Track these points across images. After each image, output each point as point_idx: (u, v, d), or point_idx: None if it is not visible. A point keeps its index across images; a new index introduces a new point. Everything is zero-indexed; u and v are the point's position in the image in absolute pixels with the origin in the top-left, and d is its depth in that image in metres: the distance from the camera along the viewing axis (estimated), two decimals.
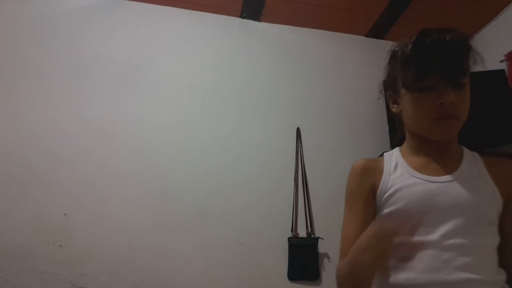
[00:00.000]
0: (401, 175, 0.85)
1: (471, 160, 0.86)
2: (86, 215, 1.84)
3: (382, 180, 0.86)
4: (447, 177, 0.81)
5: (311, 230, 2.03)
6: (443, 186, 0.80)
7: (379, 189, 0.86)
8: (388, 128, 2.08)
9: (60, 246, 1.77)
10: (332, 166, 2.19)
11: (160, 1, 2.35)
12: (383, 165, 0.89)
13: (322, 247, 1.98)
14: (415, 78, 0.79)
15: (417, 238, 0.77)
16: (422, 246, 0.76)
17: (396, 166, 0.88)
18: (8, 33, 2.11)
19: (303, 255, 1.94)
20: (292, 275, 1.91)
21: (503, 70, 2.08)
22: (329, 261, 1.97)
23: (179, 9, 2.40)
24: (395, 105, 0.91)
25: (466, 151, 0.88)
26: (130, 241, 1.84)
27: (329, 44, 2.54)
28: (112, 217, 1.87)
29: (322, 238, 1.98)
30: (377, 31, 2.54)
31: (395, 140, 0.98)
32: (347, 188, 0.91)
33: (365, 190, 0.87)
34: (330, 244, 1.98)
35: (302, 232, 2.03)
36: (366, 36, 2.61)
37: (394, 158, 0.90)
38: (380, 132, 2.21)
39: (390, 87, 0.92)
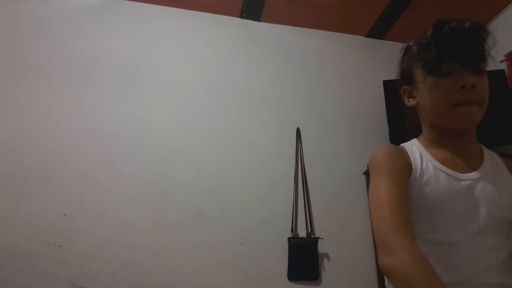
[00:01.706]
0: (427, 166, 0.80)
1: (491, 158, 0.84)
2: (86, 215, 1.84)
3: (414, 164, 0.80)
4: (471, 175, 0.78)
5: (311, 230, 2.03)
6: (469, 185, 0.77)
7: (413, 168, 0.80)
8: (388, 128, 2.08)
9: (60, 246, 1.77)
10: (332, 166, 2.18)
11: (160, 1, 2.35)
12: (407, 153, 0.84)
13: (322, 247, 1.98)
14: (436, 58, 0.76)
15: (441, 237, 0.75)
16: (445, 245, 0.74)
17: (421, 157, 0.82)
18: (8, 33, 2.11)
19: (303, 255, 1.94)
20: (292, 275, 1.91)
21: (503, 70, 2.08)
22: (329, 261, 1.97)
23: (179, 9, 2.40)
24: (411, 99, 0.88)
25: (485, 149, 0.86)
26: (130, 241, 1.84)
27: (329, 44, 2.54)
28: (112, 217, 1.87)
29: (322, 238, 1.98)
30: (377, 31, 2.54)
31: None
32: (377, 164, 0.80)
33: (400, 164, 0.79)
34: (330, 244, 1.99)
35: (302, 232, 2.03)
36: (366, 36, 2.61)
37: (416, 149, 0.85)
38: (380, 132, 2.21)
39: (404, 82, 0.89)
